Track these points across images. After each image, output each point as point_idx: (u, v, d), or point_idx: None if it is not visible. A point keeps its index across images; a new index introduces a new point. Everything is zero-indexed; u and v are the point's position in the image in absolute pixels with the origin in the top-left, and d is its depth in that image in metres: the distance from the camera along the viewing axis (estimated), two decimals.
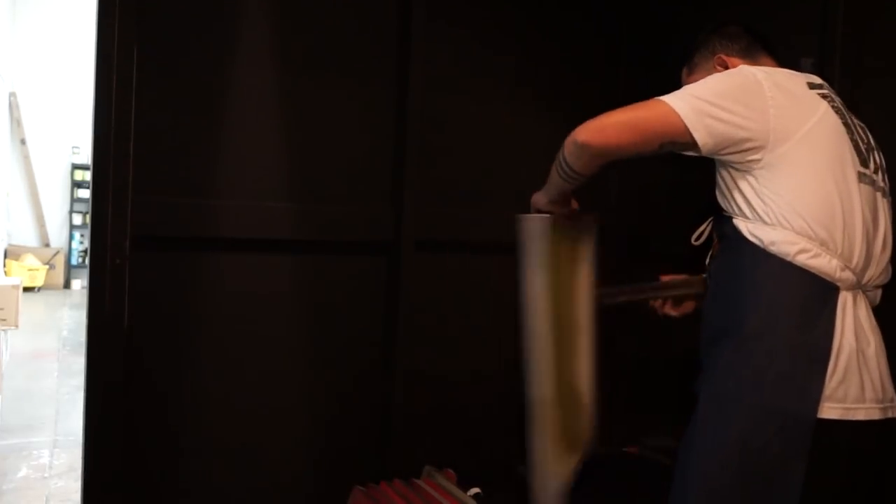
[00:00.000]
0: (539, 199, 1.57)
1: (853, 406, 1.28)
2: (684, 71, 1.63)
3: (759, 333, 1.28)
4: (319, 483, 2.01)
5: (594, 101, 2.37)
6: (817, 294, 1.29)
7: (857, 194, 1.34)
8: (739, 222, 1.35)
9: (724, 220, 1.38)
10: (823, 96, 1.40)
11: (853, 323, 1.31)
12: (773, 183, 1.31)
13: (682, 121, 1.30)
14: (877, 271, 1.36)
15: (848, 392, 1.28)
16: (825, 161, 1.34)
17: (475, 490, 1.89)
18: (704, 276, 1.59)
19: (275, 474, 1.95)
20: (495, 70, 2.24)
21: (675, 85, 1.62)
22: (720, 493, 1.29)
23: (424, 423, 2.12)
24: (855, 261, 1.32)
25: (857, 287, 1.34)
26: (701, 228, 1.50)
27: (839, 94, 1.48)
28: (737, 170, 1.34)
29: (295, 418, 1.98)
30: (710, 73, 1.51)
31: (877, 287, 1.38)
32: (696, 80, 1.51)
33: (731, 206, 1.37)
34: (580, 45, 2.38)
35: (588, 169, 1.37)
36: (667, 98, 1.32)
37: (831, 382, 1.26)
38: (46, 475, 3.40)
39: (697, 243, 1.52)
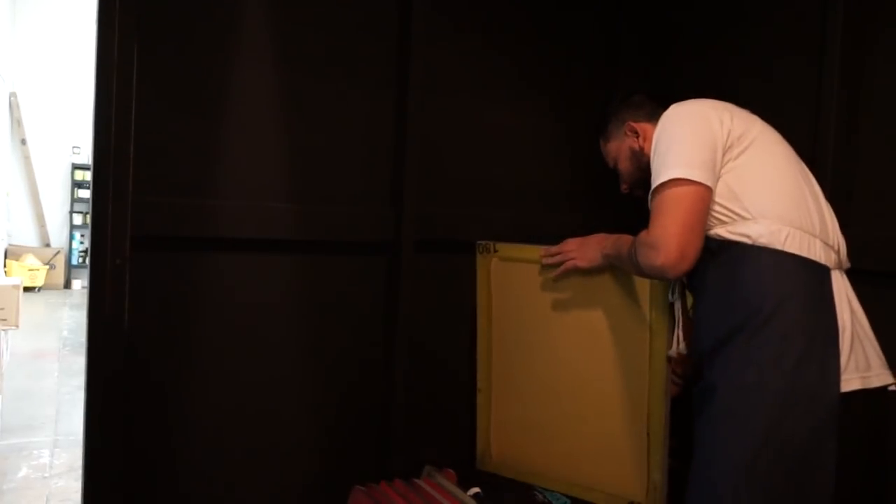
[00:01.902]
0: (594, 252, 1.72)
1: (866, 374, 1.33)
2: (601, 141, 1.80)
3: (770, 321, 1.32)
4: (320, 483, 2.02)
5: (594, 101, 2.38)
6: (814, 276, 1.35)
7: (814, 182, 1.46)
8: (716, 230, 1.40)
9: None
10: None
11: (847, 298, 1.37)
12: (743, 176, 1.39)
13: (710, 186, 1.38)
14: (844, 253, 1.43)
15: (859, 362, 1.33)
16: (783, 153, 1.45)
17: (475, 490, 1.89)
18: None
19: (275, 474, 1.96)
20: (496, 70, 2.24)
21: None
22: (757, 481, 1.30)
23: (424, 423, 2.12)
24: (831, 239, 1.40)
25: (840, 266, 1.41)
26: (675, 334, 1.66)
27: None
28: None
29: (295, 418, 1.99)
30: (623, 140, 1.70)
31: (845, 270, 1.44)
32: (613, 148, 1.75)
33: None
34: (580, 44, 2.38)
35: None
36: (682, 173, 1.36)
37: (842, 357, 1.31)
38: (47, 475, 3.41)
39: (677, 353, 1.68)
